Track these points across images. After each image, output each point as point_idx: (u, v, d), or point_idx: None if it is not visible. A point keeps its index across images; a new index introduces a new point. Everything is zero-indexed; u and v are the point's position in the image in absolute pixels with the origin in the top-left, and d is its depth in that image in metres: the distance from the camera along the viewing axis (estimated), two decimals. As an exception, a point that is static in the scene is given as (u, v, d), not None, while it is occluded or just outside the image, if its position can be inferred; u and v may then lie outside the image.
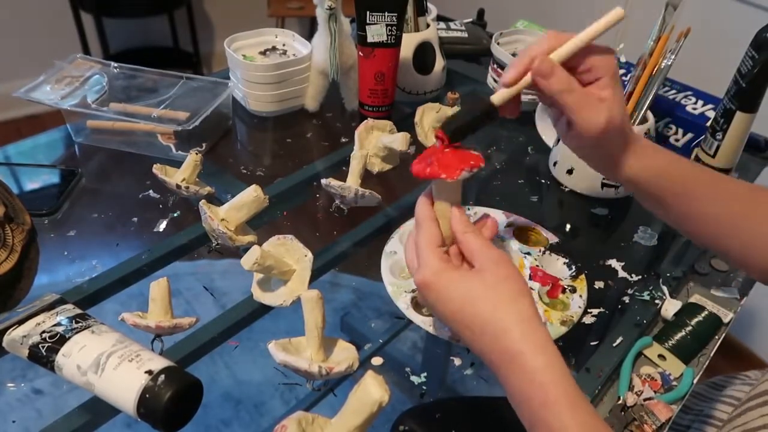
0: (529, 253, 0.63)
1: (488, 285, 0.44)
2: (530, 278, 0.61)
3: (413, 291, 0.59)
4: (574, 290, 0.60)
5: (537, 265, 0.62)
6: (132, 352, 0.46)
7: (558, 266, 0.63)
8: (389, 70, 0.80)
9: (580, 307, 0.58)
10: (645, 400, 0.52)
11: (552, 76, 0.48)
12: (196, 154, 0.67)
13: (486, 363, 0.43)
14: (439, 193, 0.49)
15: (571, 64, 0.50)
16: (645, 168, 0.53)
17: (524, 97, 0.87)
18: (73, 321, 0.49)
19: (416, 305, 0.58)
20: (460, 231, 0.48)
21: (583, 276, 0.61)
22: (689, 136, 0.79)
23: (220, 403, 0.57)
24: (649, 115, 0.71)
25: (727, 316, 0.60)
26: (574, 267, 0.62)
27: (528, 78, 0.50)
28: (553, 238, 0.66)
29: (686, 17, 0.70)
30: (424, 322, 0.56)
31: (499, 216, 0.69)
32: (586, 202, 0.75)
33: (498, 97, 0.50)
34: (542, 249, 0.64)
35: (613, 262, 0.66)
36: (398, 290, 0.59)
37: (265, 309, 0.58)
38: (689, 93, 0.82)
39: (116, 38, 2.59)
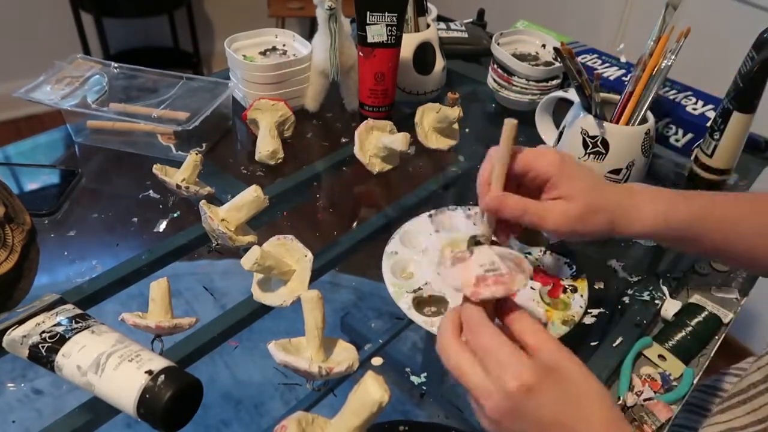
0: (529, 253, 0.63)
1: (588, 378, 0.41)
2: (531, 278, 0.61)
3: (414, 291, 0.59)
4: (575, 290, 0.60)
5: (538, 265, 0.62)
6: (132, 352, 0.46)
7: (559, 266, 0.63)
8: (389, 71, 0.80)
9: (581, 306, 0.58)
10: (645, 400, 0.52)
11: (503, 208, 0.48)
12: (196, 154, 0.67)
13: None
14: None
15: (518, 175, 0.50)
16: (645, 225, 0.52)
17: (524, 97, 0.88)
18: (73, 321, 0.49)
19: (417, 305, 0.58)
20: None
21: (584, 276, 0.61)
22: (689, 136, 0.79)
23: (220, 403, 0.57)
24: (649, 115, 0.71)
25: (727, 316, 0.60)
26: (574, 267, 0.62)
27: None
28: (553, 238, 0.66)
29: (686, 17, 0.70)
30: (425, 322, 0.56)
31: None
32: (586, 203, 0.75)
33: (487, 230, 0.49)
34: (543, 249, 0.64)
35: (613, 262, 0.66)
36: (400, 291, 0.59)
37: (265, 309, 0.58)
38: (689, 93, 0.82)
39: (116, 38, 2.59)
